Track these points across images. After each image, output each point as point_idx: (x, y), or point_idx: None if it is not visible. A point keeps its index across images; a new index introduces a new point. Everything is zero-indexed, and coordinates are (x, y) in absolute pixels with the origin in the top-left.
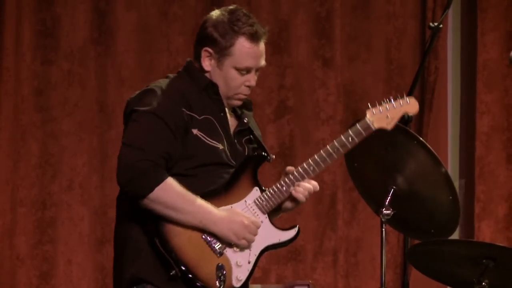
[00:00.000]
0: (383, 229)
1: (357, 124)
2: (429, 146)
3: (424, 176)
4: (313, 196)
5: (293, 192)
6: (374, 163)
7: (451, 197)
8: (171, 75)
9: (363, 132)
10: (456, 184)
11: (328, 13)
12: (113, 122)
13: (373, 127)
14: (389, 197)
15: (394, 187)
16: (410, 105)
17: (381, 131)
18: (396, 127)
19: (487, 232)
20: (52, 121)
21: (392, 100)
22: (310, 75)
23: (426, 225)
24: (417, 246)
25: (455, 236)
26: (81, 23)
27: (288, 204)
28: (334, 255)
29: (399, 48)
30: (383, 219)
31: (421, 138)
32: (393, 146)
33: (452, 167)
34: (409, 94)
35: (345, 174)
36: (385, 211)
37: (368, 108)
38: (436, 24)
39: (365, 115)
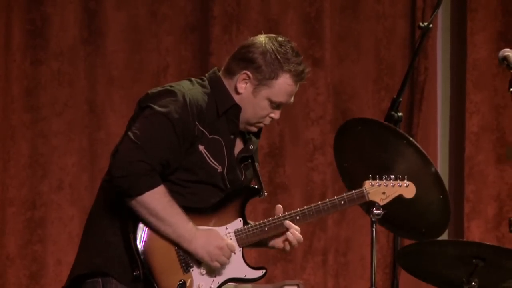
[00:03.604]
0: (373, 229)
1: (353, 191)
2: (418, 146)
3: (414, 175)
4: (303, 195)
5: (285, 242)
6: (364, 163)
7: (441, 197)
8: (195, 81)
9: (356, 200)
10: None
11: (317, 13)
12: (103, 122)
13: (367, 198)
14: None
15: None
16: (407, 189)
17: (372, 203)
18: (386, 127)
19: (476, 232)
20: (42, 121)
21: (391, 178)
22: None
23: (416, 225)
24: (406, 248)
25: (445, 236)
26: (70, 23)
27: (268, 242)
28: (324, 255)
29: (388, 48)
30: (373, 219)
31: (410, 138)
32: (383, 146)
33: (441, 167)
34: (399, 94)
35: (335, 174)
36: (375, 211)
37: (368, 178)
38: (425, 24)
39: (363, 184)
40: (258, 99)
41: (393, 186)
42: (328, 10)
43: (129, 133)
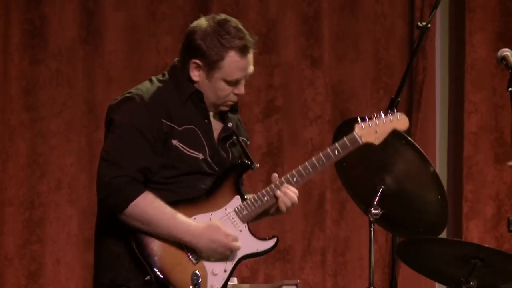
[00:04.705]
0: (372, 228)
1: (344, 138)
2: (417, 145)
3: (413, 175)
4: (302, 195)
5: (279, 201)
6: (363, 163)
7: (439, 196)
8: (155, 79)
9: (350, 146)
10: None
11: (316, 12)
12: (102, 122)
13: (360, 142)
14: (377, 197)
15: (383, 186)
16: (400, 122)
17: (368, 146)
18: None
19: (475, 231)
20: (40, 120)
21: (382, 115)
22: (298, 75)
23: (414, 225)
24: (406, 242)
25: (443, 235)
26: (69, 23)
27: (270, 210)
28: (323, 254)
29: (387, 47)
30: (371, 219)
31: (409, 138)
32: (382, 145)
33: (440, 166)
34: (397, 94)
35: (333, 174)
36: (373, 211)
37: (358, 121)
38: (424, 24)
39: (353, 128)
40: (214, 82)
41: (384, 122)
42: (326, 10)
43: (101, 154)
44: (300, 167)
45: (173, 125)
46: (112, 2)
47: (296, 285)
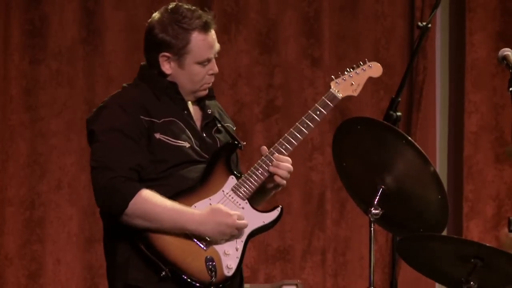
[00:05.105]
0: (372, 228)
1: (323, 97)
2: (417, 145)
3: (413, 175)
4: (302, 195)
5: (274, 177)
6: (363, 163)
7: (440, 196)
8: (127, 85)
9: (329, 103)
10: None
11: (316, 12)
12: None
13: (339, 96)
14: (377, 197)
15: (383, 186)
16: (373, 69)
17: (348, 98)
18: (385, 127)
19: (475, 231)
20: (41, 120)
21: (354, 67)
22: (299, 75)
23: (414, 225)
24: (406, 239)
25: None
26: (69, 23)
27: (269, 185)
28: (323, 254)
29: (387, 47)
30: (371, 219)
31: (409, 138)
32: (382, 145)
33: (440, 166)
34: (398, 93)
35: (333, 174)
36: (373, 211)
37: (332, 79)
38: (424, 23)
39: (329, 86)
40: (187, 68)
41: (357, 73)
42: (327, 10)
43: (90, 164)
44: (286, 134)
45: (152, 119)
46: (112, 2)
47: (296, 285)
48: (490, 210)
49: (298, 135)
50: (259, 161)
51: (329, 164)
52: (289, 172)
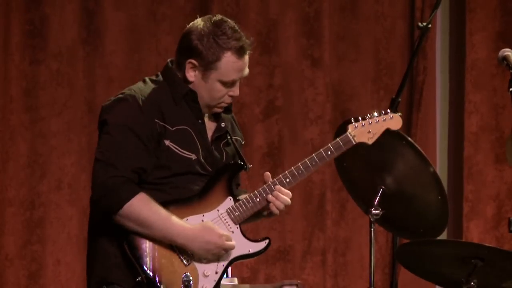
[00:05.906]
0: (372, 229)
1: (337, 138)
2: (417, 146)
3: (413, 176)
4: (302, 196)
5: (270, 205)
6: (363, 163)
7: (439, 197)
8: (148, 80)
9: (343, 146)
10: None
11: (316, 13)
12: None
13: (353, 142)
14: (378, 197)
15: (383, 187)
16: (393, 121)
17: (361, 145)
18: None
19: (475, 232)
20: (41, 121)
21: (375, 114)
22: (299, 75)
23: (415, 225)
24: (406, 245)
25: (443, 236)
26: (69, 23)
27: (264, 212)
28: (323, 255)
29: (387, 48)
30: (372, 219)
31: (409, 138)
32: (382, 146)
33: (440, 167)
34: (398, 94)
35: (334, 174)
36: (374, 211)
37: (351, 122)
38: (424, 24)
39: (346, 128)
40: (210, 83)
41: (377, 122)
42: (327, 10)
43: (96, 155)
44: (293, 168)
45: (166, 125)
46: (112, 2)
47: (296, 285)
48: (490, 210)
49: (304, 171)
50: (259, 188)
51: (329, 164)
52: (286, 205)
